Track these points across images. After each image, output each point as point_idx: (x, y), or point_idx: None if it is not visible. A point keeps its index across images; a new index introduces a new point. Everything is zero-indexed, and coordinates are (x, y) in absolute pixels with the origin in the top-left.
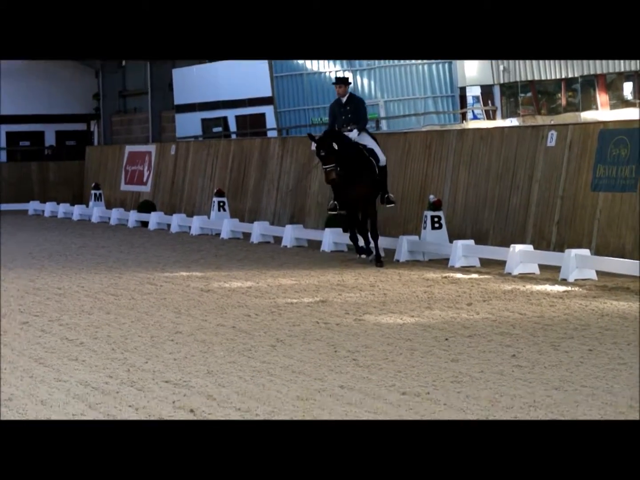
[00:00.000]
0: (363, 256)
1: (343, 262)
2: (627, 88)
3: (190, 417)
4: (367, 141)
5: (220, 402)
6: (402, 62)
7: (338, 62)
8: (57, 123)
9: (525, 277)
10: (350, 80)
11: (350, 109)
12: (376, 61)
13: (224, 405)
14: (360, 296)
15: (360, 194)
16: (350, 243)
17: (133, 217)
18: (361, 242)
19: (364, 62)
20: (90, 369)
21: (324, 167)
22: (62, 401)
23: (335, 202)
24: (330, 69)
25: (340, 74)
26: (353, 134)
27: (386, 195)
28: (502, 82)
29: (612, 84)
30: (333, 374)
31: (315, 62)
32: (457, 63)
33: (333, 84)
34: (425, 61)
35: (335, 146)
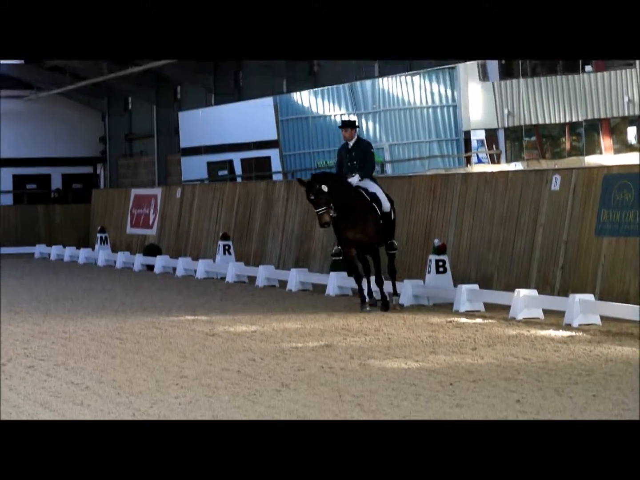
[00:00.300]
0: (367, 309)
1: (348, 306)
2: (631, 132)
3: None
4: (370, 186)
5: None
6: (407, 105)
7: (343, 105)
8: (64, 166)
9: (529, 322)
10: (357, 123)
11: (357, 154)
12: (381, 105)
13: None
14: (365, 340)
15: (355, 238)
16: (355, 287)
17: (139, 260)
18: (365, 286)
19: (369, 106)
20: (95, 414)
21: (315, 210)
22: None
23: (339, 247)
24: (335, 112)
25: (345, 117)
26: (354, 180)
27: (389, 242)
28: (506, 125)
29: (615, 128)
30: (338, 418)
31: (320, 105)
32: (462, 107)
33: (339, 127)
34: (430, 105)
35: (325, 188)
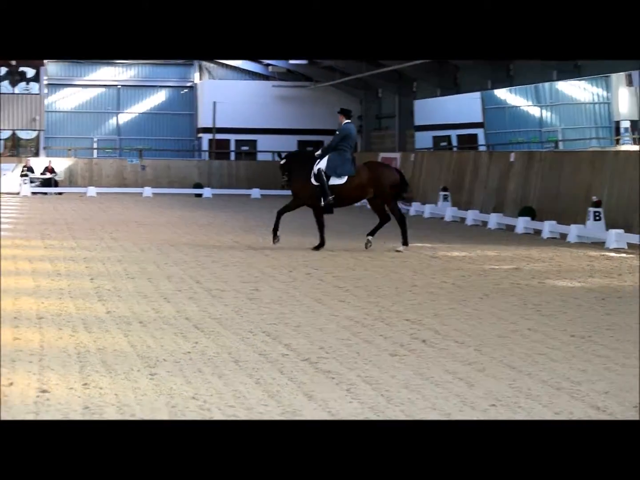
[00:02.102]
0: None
1: (530, 241)
2: None
3: (422, 346)
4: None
5: (443, 336)
6: (574, 101)
7: (530, 99)
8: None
9: None
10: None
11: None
12: (556, 100)
13: (447, 339)
14: (543, 266)
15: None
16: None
17: None
18: None
19: (548, 100)
20: (353, 308)
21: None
22: (334, 330)
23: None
24: (524, 104)
25: (528, 109)
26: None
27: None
28: None
29: None
30: (523, 320)
31: (513, 99)
32: (613, 104)
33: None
34: (591, 101)
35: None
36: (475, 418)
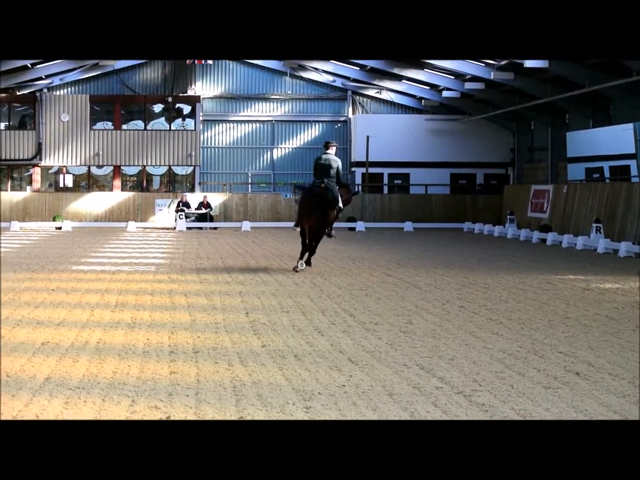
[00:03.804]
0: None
1: None
2: None
3: (576, 379)
4: None
5: (597, 368)
6: None
7: None
8: (485, 168)
9: None
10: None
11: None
12: None
13: (600, 371)
14: None
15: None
16: None
17: (536, 235)
18: None
19: None
20: (506, 341)
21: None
22: (487, 362)
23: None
24: None
25: None
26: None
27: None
28: None
29: None
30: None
31: None
32: None
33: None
34: None
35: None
36: None
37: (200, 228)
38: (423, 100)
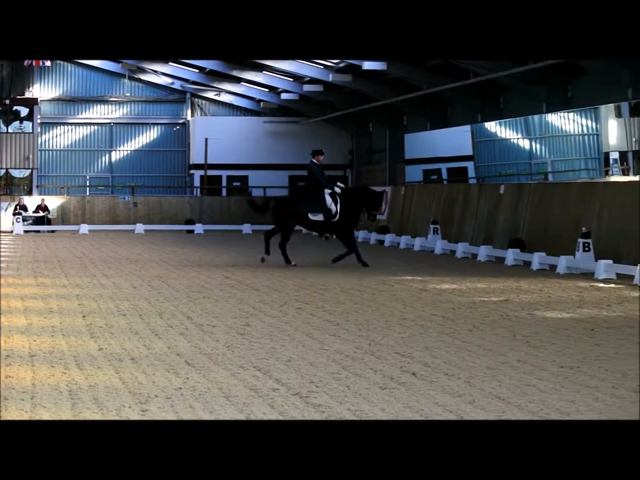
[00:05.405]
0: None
1: (520, 273)
2: None
3: (412, 379)
4: None
5: (433, 368)
6: (564, 133)
7: (519, 132)
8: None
9: None
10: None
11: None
12: (546, 132)
13: (436, 371)
14: (532, 297)
15: None
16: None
17: (373, 236)
18: None
19: (537, 133)
20: (343, 342)
21: None
22: (324, 364)
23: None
24: (513, 137)
25: (518, 142)
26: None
27: None
28: (633, 149)
29: None
30: (512, 351)
31: (503, 131)
32: (603, 135)
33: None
34: (580, 133)
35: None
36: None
37: (38, 231)
38: (261, 103)
